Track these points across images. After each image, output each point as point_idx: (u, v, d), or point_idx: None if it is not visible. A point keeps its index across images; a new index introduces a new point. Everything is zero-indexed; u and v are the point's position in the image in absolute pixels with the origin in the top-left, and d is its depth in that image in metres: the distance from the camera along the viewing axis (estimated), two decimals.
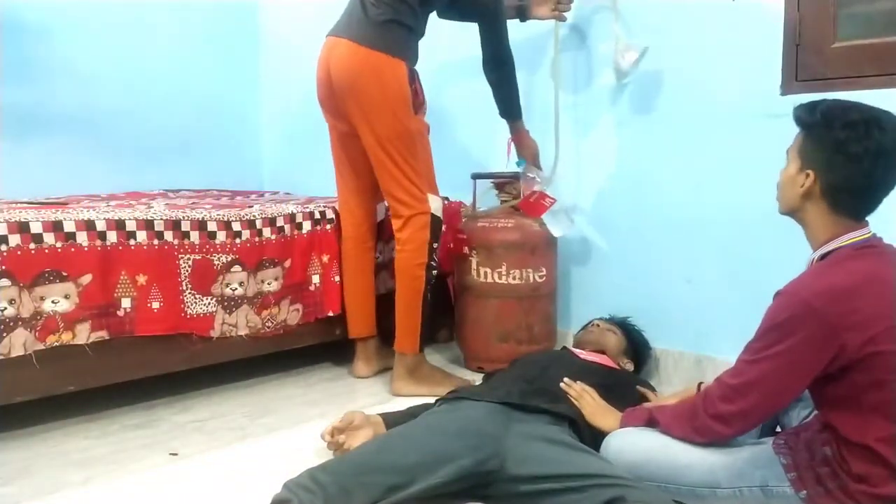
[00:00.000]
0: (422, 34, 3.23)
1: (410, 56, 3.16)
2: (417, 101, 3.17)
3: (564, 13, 3.49)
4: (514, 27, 3.43)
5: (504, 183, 3.70)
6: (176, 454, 2.66)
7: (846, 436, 1.91)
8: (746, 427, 2.07)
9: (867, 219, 2.03)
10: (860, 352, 1.85)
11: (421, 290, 3.21)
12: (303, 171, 4.99)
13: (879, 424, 1.88)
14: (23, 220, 2.71)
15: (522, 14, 3.54)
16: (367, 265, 3.52)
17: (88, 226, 2.82)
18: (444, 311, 3.86)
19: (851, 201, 1.99)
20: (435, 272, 3.28)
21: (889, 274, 1.93)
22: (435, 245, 3.23)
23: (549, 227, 3.50)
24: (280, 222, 3.35)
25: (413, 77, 3.14)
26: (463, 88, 4.04)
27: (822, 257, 2.01)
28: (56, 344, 2.75)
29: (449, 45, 3.79)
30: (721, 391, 2.02)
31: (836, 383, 1.92)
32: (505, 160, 3.68)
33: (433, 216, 3.21)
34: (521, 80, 3.46)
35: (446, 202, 3.90)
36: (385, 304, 3.49)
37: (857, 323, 1.84)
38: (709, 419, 2.04)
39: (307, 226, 3.44)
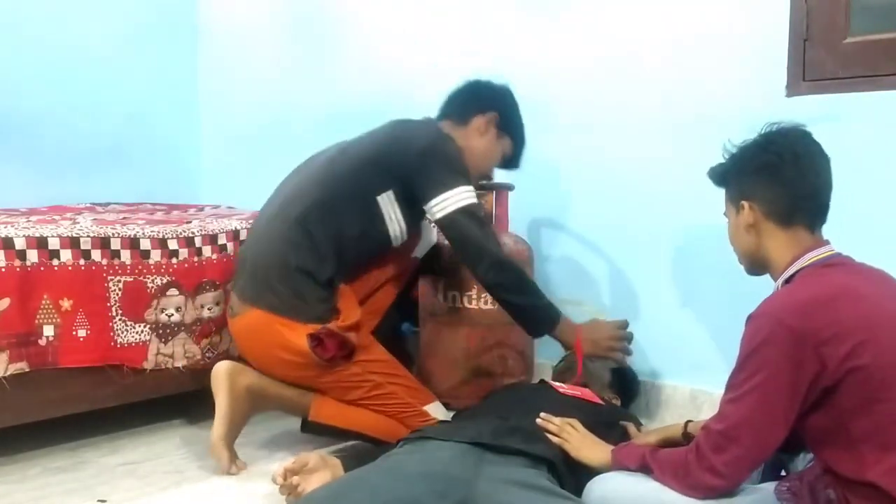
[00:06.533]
0: None
1: None
2: None
3: None
4: None
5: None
6: (104, 501, 2.65)
7: (844, 475, 1.94)
8: (745, 474, 2.07)
9: (828, 239, 2.17)
10: (841, 367, 1.90)
11: None
12: (247, 182, 4.90)
13: (875, 456, 1.91)
14: None
15: None
16: None
17: (6, 244, 2.83)
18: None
19: (799, 205, 2.14)
20: None
21: (863, 286, 2.04)
22: None
23: None
24: (222, 240, 3.36)
25: None
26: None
27: (787, 281, 2.13)
28: None
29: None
30: (711, 441, 2.03)
31: (821, 411, 1.96)
32: None
33: None
34: None
35: None
36: None
37: (834, 336, 1.91)
38: (704, 473, 2.03)
39: None
